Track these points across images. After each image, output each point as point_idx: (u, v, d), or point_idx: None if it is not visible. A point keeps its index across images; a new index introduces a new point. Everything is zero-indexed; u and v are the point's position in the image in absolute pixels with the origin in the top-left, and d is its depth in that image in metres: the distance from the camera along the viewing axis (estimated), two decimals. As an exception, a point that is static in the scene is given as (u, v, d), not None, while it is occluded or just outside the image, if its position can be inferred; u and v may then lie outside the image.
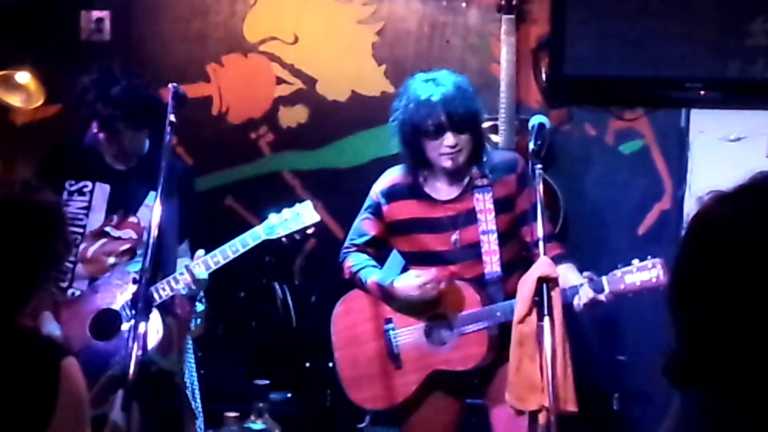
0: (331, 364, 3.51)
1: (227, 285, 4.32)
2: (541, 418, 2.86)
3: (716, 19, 4.07)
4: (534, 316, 2.88)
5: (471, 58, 4.44)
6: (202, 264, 3.18)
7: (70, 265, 3.38)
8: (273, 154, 4.57)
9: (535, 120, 3.09)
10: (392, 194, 3.30)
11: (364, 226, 3.36)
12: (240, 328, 4.35)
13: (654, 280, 2.95)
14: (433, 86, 3.14)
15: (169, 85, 3.21)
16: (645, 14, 4.12)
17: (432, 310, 3.23)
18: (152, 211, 2.91)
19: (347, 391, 3.37)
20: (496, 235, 3.18)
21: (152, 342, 3.17)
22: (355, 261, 3.34)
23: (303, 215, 3.22)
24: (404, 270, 3.36)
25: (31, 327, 2.00)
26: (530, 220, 3.14)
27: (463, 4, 4.45)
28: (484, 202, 3.19)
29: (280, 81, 4.54)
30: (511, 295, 3.08)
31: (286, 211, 3.25)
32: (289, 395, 4.06)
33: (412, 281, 3.16)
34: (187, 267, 3.18)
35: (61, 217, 2.00)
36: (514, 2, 4.21)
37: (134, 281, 3.16)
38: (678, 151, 4.31)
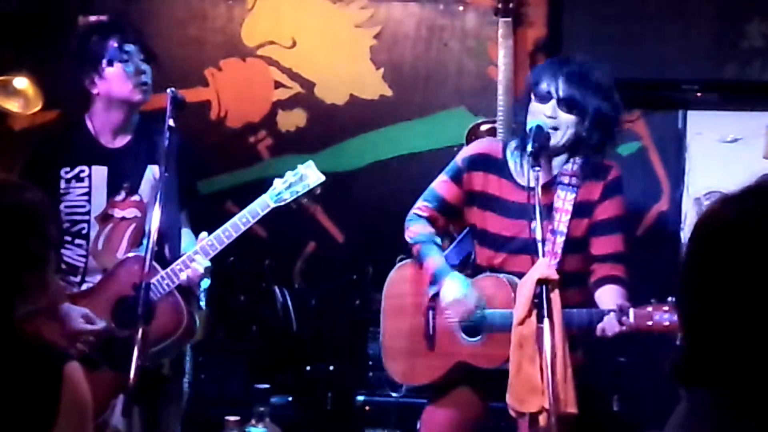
0: (331, 368, 3.50)
1: (227, 289, 4.33)
2: (542, 419, 2.86)
3: (712, 21, 4.09)
4: (534, 318, 2.87)
5: (468, 61, 4.45)
6: (201, 253, 3.19)
7: (82, 260, 3.37)
8: (272, 158, 4.58)
9: (533, 123, 3.08)
10: (477, 163, 3.18)
11: (439, 188, 3.24)
12: (240, 332, 4.35)
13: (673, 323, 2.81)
14: (567, 59, 3.10)
15: (168, 90, 3.22)
16: (642, 16, 4.14)
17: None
18: (153, 192, 2.94)
19: (383, 359, 3.32)
20: (564, 238, 3.04)
21: (179, 329, 3.19)
22: (420, 231, 3.21)
23: (307, 176, 3.22)
24: (468, 255, 3.26)
25: (34, 331, 1.98)
26: (603, 231, 3.08)
27: (460, 8, 4.46)
28: (564, 201, 3.05)
29: (278, 85, 4.55)
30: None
31: (289, 175, 3.23)
32: (289, 399, 4.06)
33: (456, 293, 3.07)
34: (185, 263, 3.17)
35: (41, 216, 1.93)
36: (511, 5, 4.21)
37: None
38: (675, 153, 4.32)
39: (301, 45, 4.54)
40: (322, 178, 3.22)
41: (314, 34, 4.54)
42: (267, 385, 3.26)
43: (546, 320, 2.79)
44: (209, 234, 3.24)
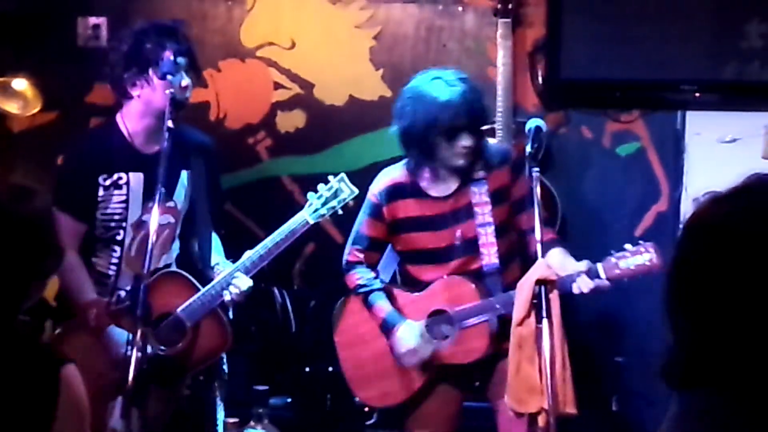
0: (330, 369, 3.51)
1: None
2: (541, 420, 2.88)
3: (711, 22, 4.09)
4: (532, 318, 2.89)
5: (468, 61, 4.44)
6: (242, 273, 3.21)
7: (114, 268, 3.36)
8: (271, 159, 4.57)
9: (532, 123, 3.11)
10: (392, 194, 3.31)
11: (364, 230, 3.36)
12: (239, 333, 4.33)
13: (648, 263, 2.99)
14: (446, 87, 3.14)
15: (167, 91, 3.22)
16: (640, 17, 4.13)
17: (432, 307, 3.25)
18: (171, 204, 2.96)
19: (353, 390, 3.38)
20: (493, 227, 3.21)
21: (224, 348, 3.29)
22: (363, 277, 3.34)
23: (342, 191, 3.28)
24: (398, 270, 3.38)
25: (31, 334, 1.98)
26: (524, 208, 3.21)
27: (460, 8, 4.46)
28: (480, 195, 3.22)
29: (277, 86, 4.54)
30: (509, 286, 3.11)
31: (323, 189, 3.29)
32: (288, 400, 4.06)
33: (410, 342, 3.20)
34: (227, 281, 3.20)
35: (49, 226, 1.94)
36: (510, 6, 4.21)
37: (189, 282, 3.24)
38: (674, 153, 4.32)
39: (300, 46, 4.54)
40: (356, 191, 3.29)
41: (313, 35, 4.54)
42: (266, 387, 3.27)
43: (545, 320, 2.82)
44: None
